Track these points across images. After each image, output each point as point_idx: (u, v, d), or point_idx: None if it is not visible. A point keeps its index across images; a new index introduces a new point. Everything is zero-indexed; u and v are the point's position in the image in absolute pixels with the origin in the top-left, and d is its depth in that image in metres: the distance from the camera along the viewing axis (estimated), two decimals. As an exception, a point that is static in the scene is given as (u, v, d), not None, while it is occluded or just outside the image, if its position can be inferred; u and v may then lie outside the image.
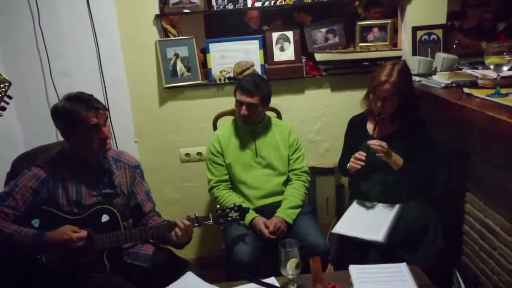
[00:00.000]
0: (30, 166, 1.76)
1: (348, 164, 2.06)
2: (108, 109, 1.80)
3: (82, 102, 1.71)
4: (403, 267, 1.59)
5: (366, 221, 1.98)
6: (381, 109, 2.02)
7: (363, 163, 1.98)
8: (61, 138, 1.93)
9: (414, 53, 2.55)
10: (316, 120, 2.72)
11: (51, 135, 2.30)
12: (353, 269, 1.60)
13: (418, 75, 2.36)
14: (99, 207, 1.76)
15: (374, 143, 1.97)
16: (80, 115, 1.69)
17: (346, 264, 1.64)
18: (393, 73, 1.98)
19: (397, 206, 2.05)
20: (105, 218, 1.75)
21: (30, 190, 1.70)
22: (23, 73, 2.27)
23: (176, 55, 2.57)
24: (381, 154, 1.96)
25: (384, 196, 2.10)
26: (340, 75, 2.63)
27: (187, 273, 1.66)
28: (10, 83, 1.06)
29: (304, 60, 2.61)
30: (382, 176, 2.10)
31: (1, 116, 1.03)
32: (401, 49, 2.62)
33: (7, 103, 1.05)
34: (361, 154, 1.99)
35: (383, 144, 1.96)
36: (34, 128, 2.37)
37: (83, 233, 1.66)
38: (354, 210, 2.11)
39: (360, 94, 2.27)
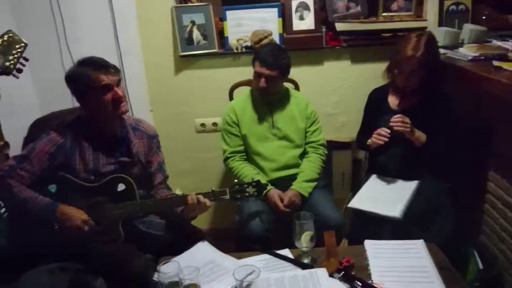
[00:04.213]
0: (48, 130, 1.75)
1: (369, 140, 2.00)
2: (120, 70, 1.74)
3: (91, 64, 1.67)
4: (419, 244, 1.56)
5: (383, 197, 1.95)
6: (406, 84, 1.95)
7: (386, 139, 1.92)
8: (76, 104, 1.92)
9: (440, 24, 2.44)
10: (333, 92, 2.65)
11: (66, 100, 2.28)
12: (368, 244, 1.58)
13: (443, 47, 2.26)
14: (116, 176, 1.74)
15: (396, 120, 1.89)
16: (89, 77, 1.65)
17: (360, 239, 1.62)
18: (419, 46, 1.89)
19: (416, 182, 2.00)
20: (121, 187, 1.74)
21: (47, 154, 1.69)
22: (38, 37, 2.22)
23: (192, 22, 2.50)
24: (405, 130, 1.88)
25: (402, 171, 2.06)
26: (361, 47, 2.54)
27: (200, 242, 1.66)
28: (26, 44, 1.03)
29: (323, 29, 2.52)
30: (401, 151, 2.05)
31: (17, 78, 1.00)
32: (426, 20, 2.50)
33: (24, 65, 1.01)
34: (385, 131, 1.93)
35: (407, 120, 1.89)
36: (49, 93, 2.35)
37: (91, 222, 1.65)
38: (372, 184, 2.07)
39: (380, 66, 2.20)
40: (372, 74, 2.47)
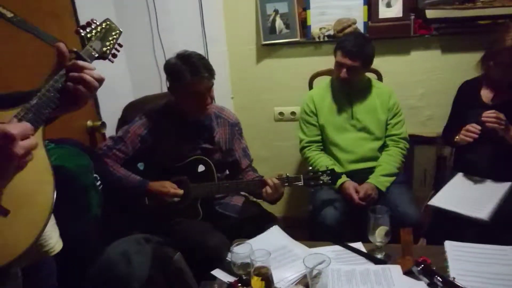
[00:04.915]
0: (140, 115, 1.91)
1: (457, 136, 1.88)
2: (214, 76, 1.79)
3: (189, 65, 1.74)
4: (510, 250, 1.43)
5: (469, 197, 1.82)
6: (502, 77, 1.78)
7: (476, 136, 1.79)
8: (165, 89, 2.05)
9: (550, 10, 2.17)
10: (419, 84, 2.52)
11: (156, 85, 2.45)
12: (449, 245, 1.49)
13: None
14: (197, 157, 1.86)
15: (489, 115, 1.75)
16: (183, 79, 1.74)
17: (440, 240, 1.54)
18: None
19: (509, 184, 1.83)
20: (201, 168, 1.86)
21: (139, 137, 1.86)
22: (133, 26, 2.41)
23: (276, 11, 2.52)
24: (499, 127, 1.74)
25: (493, 171, 1.90)
26: (453, 35, 2.36)
27: (273, 226, 1.70)
28: (121, 32, 1.13)
29: (412, 17, 2.38)
30: (492, 149, 1.89)
31: (112, 62, 1.10)
32: (533, 5, 2.25)
33: (118, 51, 1.11)
34: (474, 127, 1.79)
35: (501, 116, 1.73)
36: (141, 78, 2.53)
37: (180, 191, 1.78)
38: (457, 183, 1.94)
39: (474, 57, 2.03)
40: (464, 65, 2.29)
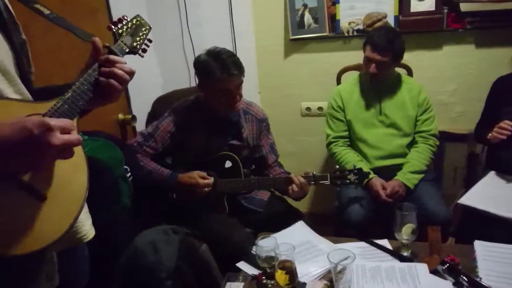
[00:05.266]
0: (169, 111, 1.94)
1: (489, 134, 1.83)
2: (243, 73, 1.79)
3: (219, 62, 1.74)
4: (542, 251, 1.39)
5: (501, 196, 1.77)
6: None
7: (509, 133, 1.74)
8: (193, 84, 2.08)
9: None
10: (451, 79, 2.45)
11: (185, 80, 2.50)
12: (479, 245, 1.46)
13: None
14: (224, 153, 1.88)
15: None
16: (213, 76, 1.74)
17: (469, 239, 1.50)
18: None
19: (544, 183, 1.77)
20: (228, 164, 1.87)
21: (169, 134, 1.90)
22: (164, 21, 2.46)
23: (305, 6, 2.50)
24: None
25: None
26: (488, 29, 2.28)
27: (298, 222, 1.70)
28: (150, 27, 1.16)
29: (445, 11, 2.32)
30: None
31: (142, 57, 1.13)
32: None
33: (148, 46, 1.14)
34: (508, 124, 1.74)
35: None
36: (170, 73, 2.58)
37: (210, 180, 1.80)
38: (489, 182, 1.89)
39: (510, 52, 1.97)
40: (499, 60, 2.22)
